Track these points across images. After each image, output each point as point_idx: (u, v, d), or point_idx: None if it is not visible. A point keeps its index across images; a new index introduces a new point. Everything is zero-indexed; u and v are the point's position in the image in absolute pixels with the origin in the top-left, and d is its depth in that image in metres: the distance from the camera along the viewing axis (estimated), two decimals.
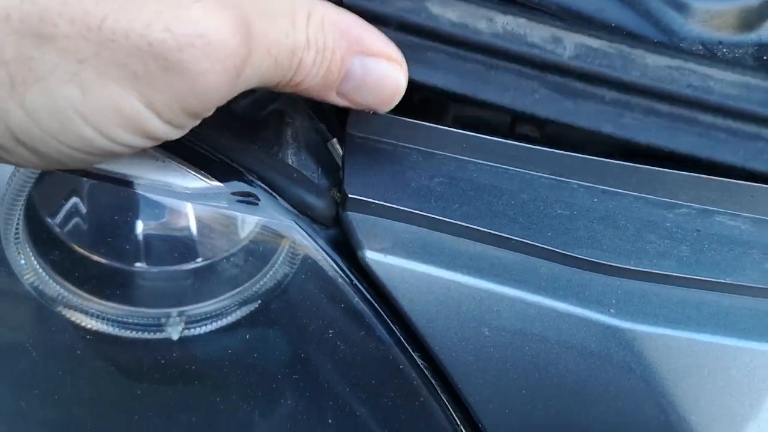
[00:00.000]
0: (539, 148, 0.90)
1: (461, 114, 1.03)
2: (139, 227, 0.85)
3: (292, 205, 0.84)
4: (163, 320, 0.87)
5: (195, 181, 0.84)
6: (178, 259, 0.87)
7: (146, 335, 0.88)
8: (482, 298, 0.79)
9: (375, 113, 1.02)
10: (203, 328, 0.87)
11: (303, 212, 0.86)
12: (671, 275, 0.79)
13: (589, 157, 0.88)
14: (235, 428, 0.92)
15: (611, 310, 0.77)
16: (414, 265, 0.80)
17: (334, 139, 0.97)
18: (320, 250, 0.83)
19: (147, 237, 0.85)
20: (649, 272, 0.79)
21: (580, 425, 0.80)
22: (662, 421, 0.78)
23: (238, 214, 0.83)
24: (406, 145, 0.95)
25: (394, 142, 0.94)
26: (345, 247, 0.85)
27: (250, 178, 0.84)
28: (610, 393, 0.78)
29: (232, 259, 0.85)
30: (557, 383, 0.79)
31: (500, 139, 0.91)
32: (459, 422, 0.87)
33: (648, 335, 0.76)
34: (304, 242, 0.82)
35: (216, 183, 0.85)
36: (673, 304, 0.78)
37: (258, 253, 0.85)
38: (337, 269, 0.82)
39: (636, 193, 0.90)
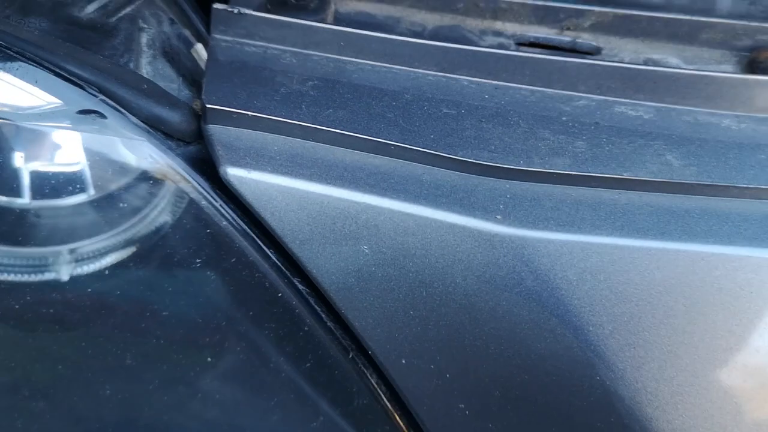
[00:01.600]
0: (425, 42, 0.83)
1: (343, 10, 0.93)
2: None
3: (142, 120, 0.75)
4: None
5: (28, 99, 0.74)
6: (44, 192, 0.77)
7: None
8: (359, 212, 0.72)
9: (241, 12, 0.92)
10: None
11: (155, 127, 0.77)
12: (564, 173, 0.72)
13: (480, 49, 0.81)
14: (121, 371, 0.85)
15: (498, 216, 0.70)
16: (281, 179, 0.73)
17: (199, 45, 0.87)
18: (178, 169, 0.73)
19: None
20: (540, 171, 0.73)
21: (473, 344, 0.74)
22: (557, 335, 0.72)
23: (80, 133, 0.73)
24: (278, 47, 0.86)
25: (264, 44, 0.85)
26: (210, 164, 0.77)
27: (92, 92, 0.74)
28: (501, 307, 0.72)
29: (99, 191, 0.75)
30: (446, 300, 0.73)
31: (382, 35, 0.82)
32: (351, 350, 0.81)
33: (539, 241, 0.70)
34: (158, 163, 0.72)
35: (53, 99, 0.75)
36: (567, 206, 0.72)
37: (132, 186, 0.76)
38: (201, 190, 0.73)
39: (531, 87, 0.83)
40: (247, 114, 0.77)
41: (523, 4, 0.93)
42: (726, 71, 0.88)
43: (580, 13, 0.92)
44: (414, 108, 0.79)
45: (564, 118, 0.79)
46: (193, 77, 0.88)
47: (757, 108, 0.81)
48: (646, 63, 0.89)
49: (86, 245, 0.76)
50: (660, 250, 0.70)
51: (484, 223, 0.71)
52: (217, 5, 0.84)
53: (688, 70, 0.82)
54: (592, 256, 0.70)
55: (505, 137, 0.77)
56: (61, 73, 0.75)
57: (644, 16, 0.92)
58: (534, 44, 0.94)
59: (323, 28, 0.84)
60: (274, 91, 0.79)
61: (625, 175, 0.74)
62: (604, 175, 0.74)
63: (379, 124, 0.77)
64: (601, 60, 0.85)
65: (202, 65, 0.85)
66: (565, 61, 0.83)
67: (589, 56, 0.90)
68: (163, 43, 0.88)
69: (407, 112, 0.79)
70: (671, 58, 0.90)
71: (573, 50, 0.93)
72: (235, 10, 0.84)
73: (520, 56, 0.83)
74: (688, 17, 0.92)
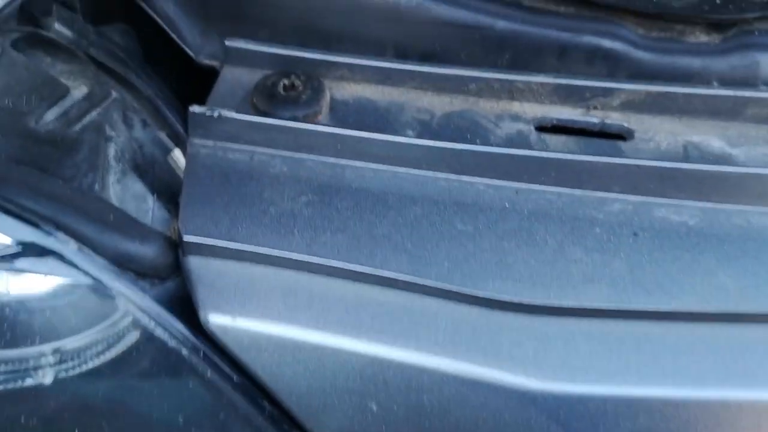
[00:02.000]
0: (434, 144, 0.76)
1: (340, 97, 0.81)
2: None
3: (109, 260, 0.63)
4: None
5: None
6: None
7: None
8: (364, 365, 0.60)
9: (222, 115, 0.80)
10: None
11: (125, 266, 0.65)
12: (603, 309, 0.60)
13: (497, 150, 0.75)
14: None
15: (528, 368, 0.58)
16: (272, 327, 0.62)
17: (177, 151, 0.76)
18: (153, 316, 0.62)
19: None
20: (574, 308, 0.60)
21: None
22: None
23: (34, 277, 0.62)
24: (267, 150, 0.75)
25: (250, 148, 0.74)
26: (192, 303, 0.65)
27: (48, 230, 0.62)
28: None
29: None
30: None
31: (383, 136, 0.72)
32: None
33: (579, 399, 0.58)
34: (129, 311, 0.61)
35: (2, 240, 0.64)
36: (608, 348, 0.60)
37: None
38: (181, 338, 0.62)
39: (557, 189, 0.71)
40: (231, 248, 0.65)
41: (543, 83, 0.81)
42: None
43: (608, 92, 0.80)
44: (424, 225, 0.68)
45: (597, 230, 0.68)
46: (170, 191, 0.76)
47: None
48: (685, 148, 0.80)
49: None
50: (732, 403, 0.58)
51: (512, 377, 0.59)
52: (193, 108, 0.73)
53: (736, 169, 0.69)
54: (646, 415, 0.58)
55: (531, 260, 0.66)
56: (11, 208, 0.63)
57: (680, 93, 0.79)
58: (557, 128, 0.82)
59: (317, 131, 0.72)
60: (262, 213, 0.68)
61: (674, 307, 0.61)
62: (649, 308, 0.61)
63: (384, 250, 0.66)
64: (636, 158, 0.77)
65: (181, 174, 0.73)
66: (596, 161, 0.70)
67: (620, 141, 0.81)
68: (133, 153, 0.76)
69: (416, 231, 0.68)
70: (713, 140, 0.78)
71: (602, 133, 0.81)
72: (215, 113, 0.72)
73: (544, 157, 0.71)
74: (729, 92, 0.79)
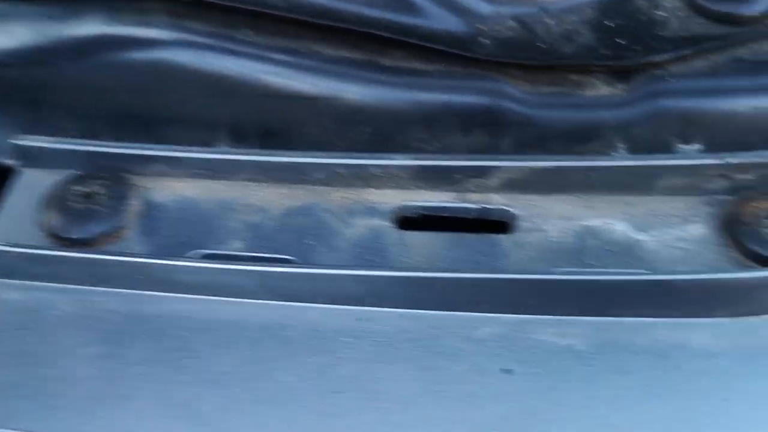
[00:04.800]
0: (253, 268, 0.65)
1: (158, 199, 0.67)
2: None
3: None
4: None
5: None
6: None
7: None
8: None
9: None
10: None
11: None
12: None
13: (328, 271, 0.64)
14: None
15: None
16: None
17: None
18: None
19: None
20: None
21: None
22: None
23: None
24: (49, 285, 0.61)
25: (27, 284, 0.60)
26: None
27: None
28: None
29: None
30: None
31: (191, 263, 0.66)
32: None
33: None
34: None
35: None
36: None
37: None
38: None
39: (410, 311, 0.56)
40: None
41: (404, 166, 0.66)
42: (695, 237, 0.67)
43: (483, 171, 0.66)
44: (235, 380, 0.56)
45: (459, 368, 0.53)
46: None
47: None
48: (581, 237, 0.68)
49: None
50: None
51: None
52: None
53: (639, 278, 0.55)
54: None
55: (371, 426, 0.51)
56: None
57: (574, 167, 0.65)
58: (426, 219, 0.67)
59: (107, 260, 0.59)
60: (30, 380, 0.59)
61: None
62: None
63: (185, 426, 0.51)
64: (510, 270, 0.65)
65: None
66: (460, 278, 0.56)
67: (500, 234, 0.69)
68: None
69: (224, 391, 0.53)
70: (616, 223, 0.65)
71: (480, 222, 0.66)
72: None
73: (391, 276, 0.57)
74: (636, 162, 0.65)
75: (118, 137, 0.75)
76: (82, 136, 0.75)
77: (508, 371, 0.56)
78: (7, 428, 0.54)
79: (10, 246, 0.62)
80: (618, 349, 0.57)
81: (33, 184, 0.71)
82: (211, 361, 0.58)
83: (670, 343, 0.57)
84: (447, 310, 0.60)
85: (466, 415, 0.54)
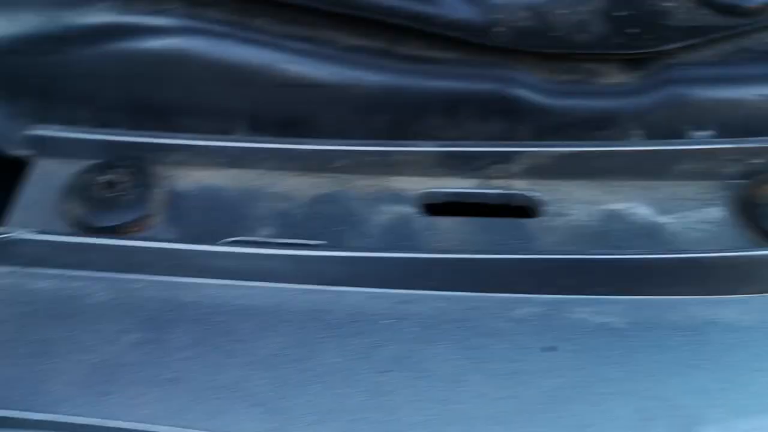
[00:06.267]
0: (293, 253, 0.67)
1: (183, 188, 0.69)
2: None
3: None
4: None
5: None
6: None
7: None
8: None
9: (20, 239, 0.67)
10: None
11: None
12: None
13: (371, 254, 0.66)
14: None
15: None
16: None
17: None
18: None
19: None
20: None
21: None
22: None
23: None
24: (83, 274, 0.63)
25: (62, 273, 0.62)
26: None
27: None
28: None
29: None
30: None
31: (229, 249, 0.68)
32: None
33: None
34: None
35: None
36: None
37: None
38: None
39: (448, 293, 0.60)
40: (29, 419, 0.54)
41: (428, 153, 0.69)
42: (714, 220, 0.71)
43: (507, 156, 0.69)
44: (284, 362, 0.61)
45: (502, 346, 0.56)
46: None
47: None
48: (606, 219, 0.72)
49: None
50: None
51: None
52: None
53: (671, 256, 0.58)
54: None
55: (419, 402, 0.54)
56: None
57: (596, 152, 0.69)
58: (448, 205, 0.70)
59: (142, 247, 0.60)
60: (74, 366, 0.62)
61: None
62: None
63: (232, 405, 0.58)
64: (546, 250, 0.68)
65: None
66: (496, 259, 0.59)
67: (525, 218, 0.72)
68: None
69: (273, 372, 0.60)
70: (639, 207, 0.69)
71: (503, 207, 0.70)
72: (10, 236, 0.59)
73: (430, 258, 0.59)
74: (655, 147, 0.69)
75: (133, 127, 0.76)
76: (96, 126, 0.76)
77: (552, 348, 0.59)
78: (59, 413, 0.55)
79: (43, 235, 0.63)
80: (653, 326, 0.61)
81: (49, 174, 0.72)
82: (257, 345, 0.59)
83: (702, 319, 0.61)
84: (484, 292, 0.63)
85: (516, 391, 0.56)
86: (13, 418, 0.55)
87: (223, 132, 0.76)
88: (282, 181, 0.71)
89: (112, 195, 0.67)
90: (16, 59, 0.75)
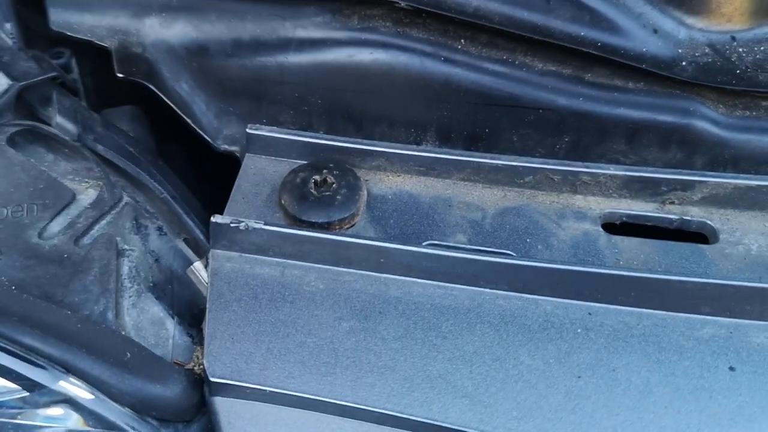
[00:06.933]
0: (491, 260, 0.72)
1: (378, 192, 0.77)
2: None
3: (127, 406, 0.59)
4: None
5: None
6: None
7: None
8: None
9: (250, 227, 0.76)
10: None
11: (145, 412, 0.61)
12: None
13: (565, 267, 0.71)
14: None
15: None
16: None
17: (197, 264, 0.72)
18: None
19: None
20: None
21: None
22: None
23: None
24: (299, 264, 0.70)
25: (280, 261, 0.69)
26: None
27: (60, 372, 0.59)
28: None
29: None
30: None
31: (430, 251, 0.73)
32: None
33: None
34: None
35: (6, 385, 0.60)
36: None
37: None
38: None
39: (636, 309, 0.66)
40: (265, 389, 0.61)
41: (613, 176, 0.76)
42: None
43: (688, 185, 0.76)
44: (484, 360, 0.66)
45: (686, 362, 0.64)
46: (192, 312, 0.72)
47: None
48: None
49: None
50: None
51: None
52: (216, 218, 0.69)
53: None
54: None
55: (612, 407, 0.61)
56: (14, 349, 0.59)
57: None
58: (627, 225, 0.77)
59: (356, 243, 0.68)
60: (298, 346, 0.64)
61: None
62: None
63: (441, 395, 0.65)
64: (726, 275, 0.74)
65: (204, 291, 0.69)
66: (683, 281, 0.66)
67: (703, 244, 0.77)
68: (149, 269, 0.72)
69: (476, 368, 0.66)
70: None
71: (680, 232, 0.76)
72: (241, 226, 0.68)
73: (622, 275, 0.66)
74: None
75: (329, 131, 0.85)
76: (297, 128, 0.85)
77: (732, 369, 0.65)
78: (286, 389, 0.64)
79: (267, 226, 0.71)
80: None
81: (263, 171, 0.81)
82: (459, 342, 0.67)
83: None
84: (668, 311, 0.69)
85: (700, 405, 0.63)
86: (251, 388, 0.63)
87: (415, 141, 0.84)
88: (471, 191, 0.79)
89: (324, 194, 0.75)
90: (233, 62, 0.83)
